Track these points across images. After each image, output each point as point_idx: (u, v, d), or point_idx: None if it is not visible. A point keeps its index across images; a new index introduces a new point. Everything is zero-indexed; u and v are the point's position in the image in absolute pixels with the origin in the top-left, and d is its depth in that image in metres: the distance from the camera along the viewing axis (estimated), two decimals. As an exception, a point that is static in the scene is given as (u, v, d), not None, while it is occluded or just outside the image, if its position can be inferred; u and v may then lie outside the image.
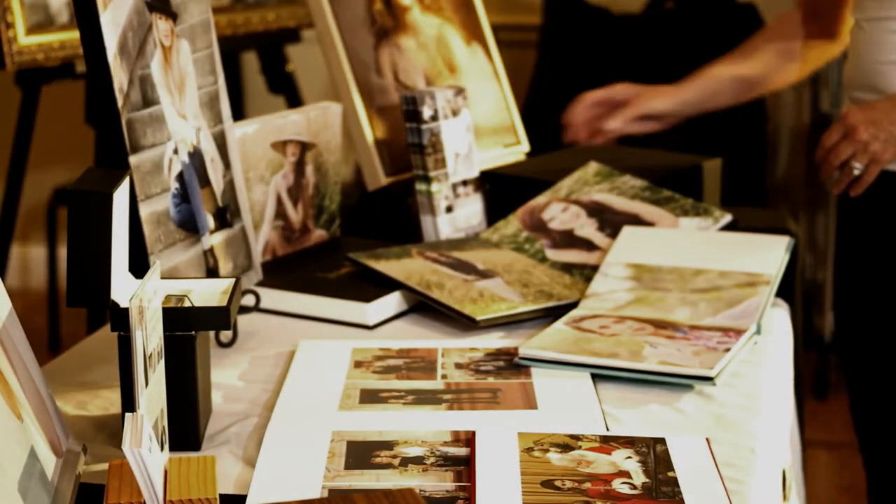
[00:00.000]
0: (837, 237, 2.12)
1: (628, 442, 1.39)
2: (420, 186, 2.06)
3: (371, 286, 1.86)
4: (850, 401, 2.08)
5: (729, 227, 2.01)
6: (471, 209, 2.09)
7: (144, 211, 1.60)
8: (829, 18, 2.19)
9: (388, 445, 1.39)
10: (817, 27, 2.20)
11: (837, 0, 2.17)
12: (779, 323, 1.85)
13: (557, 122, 2.33)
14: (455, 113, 2.07)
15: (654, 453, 1.37)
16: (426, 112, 2.03)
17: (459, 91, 2.10)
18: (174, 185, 1.66)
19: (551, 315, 1.81)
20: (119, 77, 1.57)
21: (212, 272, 1.72)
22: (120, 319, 1.37)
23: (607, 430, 1.46)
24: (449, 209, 2.06)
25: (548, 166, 2.25)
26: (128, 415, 1.16)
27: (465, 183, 2.08)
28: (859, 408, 2.08)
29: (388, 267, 1.89)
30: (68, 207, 1.33)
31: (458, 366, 1.64)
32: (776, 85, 2.29)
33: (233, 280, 1.53)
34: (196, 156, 1.72)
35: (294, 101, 3.64)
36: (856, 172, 1.94)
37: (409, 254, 1.95)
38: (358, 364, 1.64)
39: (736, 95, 2.26)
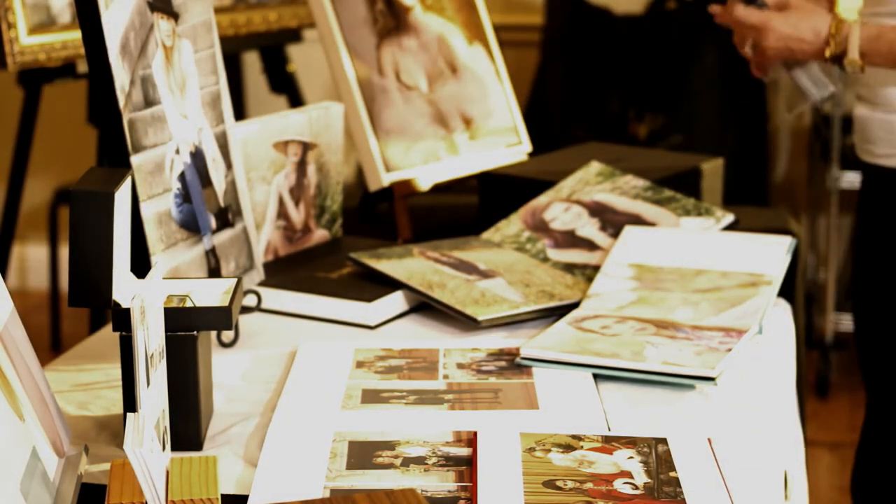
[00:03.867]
0: (856, 231, 2.11)
1: (630, 442, 1.39)
2: None
3: (373, 286, 1.86)
4: (867, 391, 2.09)
5: (730, 228, 2.01)
6: None
7: (146, 211, 1.60)
8: None
9: (390, 445, 1.39)
10: None
11: None
12: (780, 323, 1.85)
13: (559, 123, 2.32)
14: None
15: (655, 453, 1.37)
16: None
17: None
18: (176, 185, 1.66)
19: (553, 315, 1.81)
20: (121, 77, 1.57)
21: (213, 272, 1.72)
22: (122, 319, 1.38)
23: (609, 430, 1.46)
24: None
25: (549, 166, 2.25)
26: (129, 415, 1.16)
27: None
28: (875, 400, 2.09)
29: (389, 267, 1.89)
30: (70, 207, 1.33)
31: (460, 366, 1.64)
32: None
33: (234, 280, 1.53)
34: (198, 156, 1.72)
35: (296, 101, 3.64)
36: (747, 50, 2.04)
37: (410, 254, 1.95)
38: (360, 364, 1.64)
39: None
